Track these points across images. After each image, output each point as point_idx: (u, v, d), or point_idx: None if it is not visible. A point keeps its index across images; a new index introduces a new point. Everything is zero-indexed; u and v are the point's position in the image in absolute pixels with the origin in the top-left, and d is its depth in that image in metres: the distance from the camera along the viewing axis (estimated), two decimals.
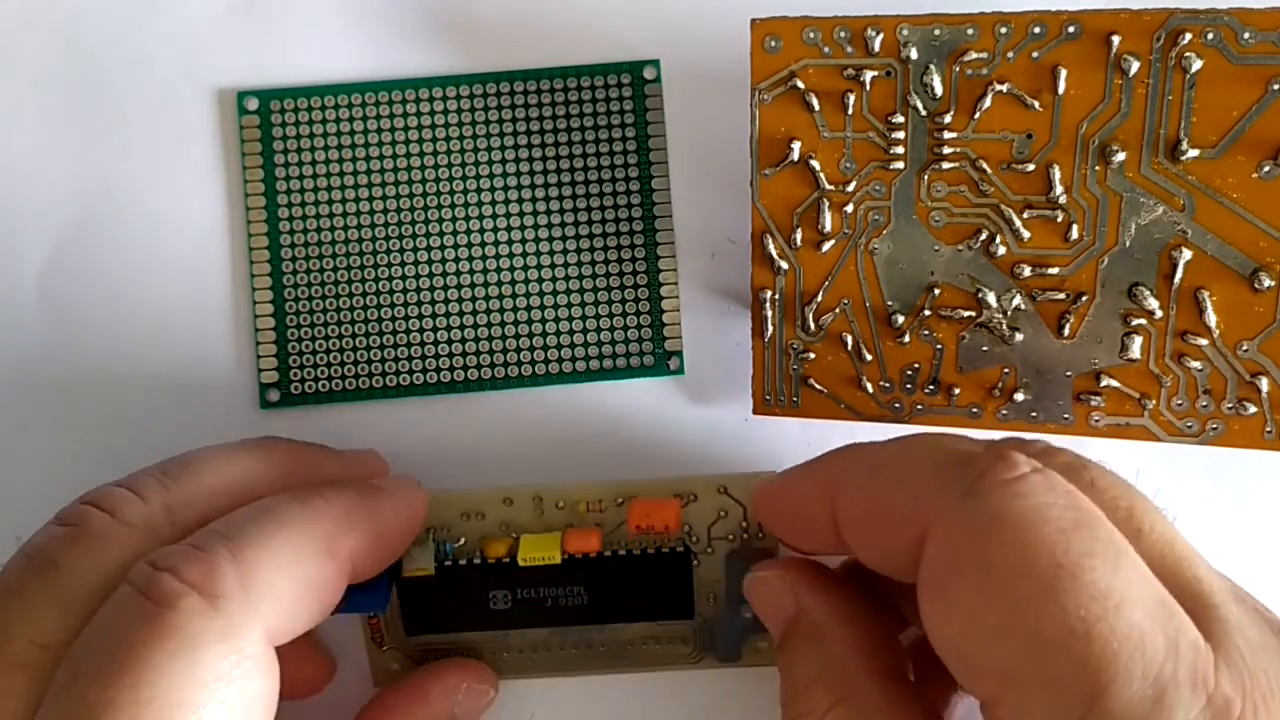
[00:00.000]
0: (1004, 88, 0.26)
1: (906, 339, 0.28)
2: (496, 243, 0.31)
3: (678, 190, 0.31)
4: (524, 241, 0.31)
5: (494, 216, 0.31)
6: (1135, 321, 0.26)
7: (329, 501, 0.25)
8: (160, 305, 0.31)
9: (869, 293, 0.28)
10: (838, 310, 0.28)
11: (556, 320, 0.31)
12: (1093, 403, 0.27)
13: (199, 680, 0.21)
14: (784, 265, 0.28)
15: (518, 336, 0.31)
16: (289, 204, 0.31)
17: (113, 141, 0.31)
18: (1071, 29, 0.25)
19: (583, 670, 0.30)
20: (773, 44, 0.27)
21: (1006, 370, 0.27)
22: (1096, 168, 0.26)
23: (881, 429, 0.28)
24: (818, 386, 0.29)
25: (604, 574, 0.28)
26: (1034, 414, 0.27)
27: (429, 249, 0.31)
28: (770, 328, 0.28)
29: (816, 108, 0.27)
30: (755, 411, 0.29)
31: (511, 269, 0.31)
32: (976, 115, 0.26)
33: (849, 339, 0.28)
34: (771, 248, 0.28)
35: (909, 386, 0.28)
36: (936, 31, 0.26)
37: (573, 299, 0.31)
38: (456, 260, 0.31)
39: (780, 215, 0.28)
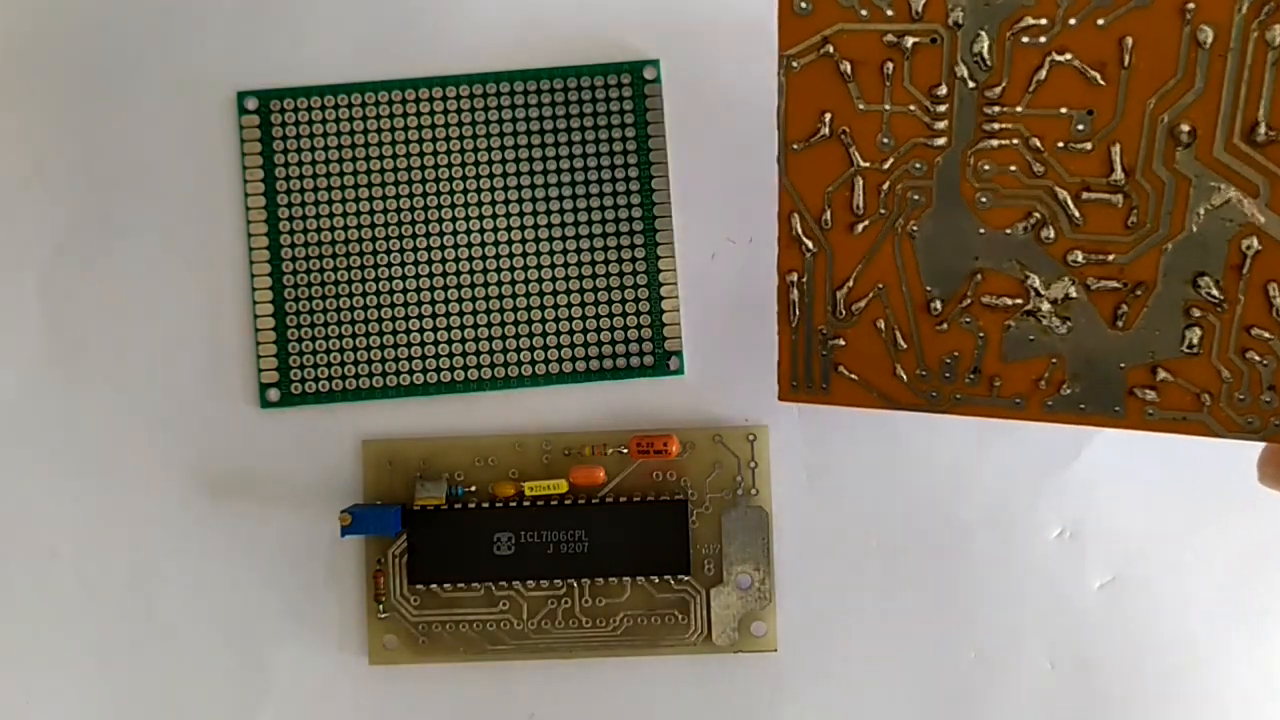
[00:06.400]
0: (1064, 58, 0.24)
1: (946, 326, 0.26)
2: (496, 243, 0.31)
3: (678, 190, 0.31)
4: (524, 241, 0.31)
5: (494, 216, 0.31)
6: (1197, 313, 0.25)
7: None
8: (160, 305, 0.31)
9: (906, 277, 0.26)
10: (871, 295, 0.26)
11: (556, 320, 0.31)
12: (1147, 396, 0.25)
13: None
14: (813, 247, 0.26)
15: (518, 336, 0.31)
16: (289, 204, 0.31)
17: (113, 141, 0.31)
18: None
19: (583, 652, 0.30)
20: (803, 6, 0.24)
21: (1054, 360, 0.26)
22: (1164, 148, 0.24)
23: (916, 418, 0.27)
24: (849, 374, 0.27)
25: (605, 518, 0.30)
26: (1082, 406, 0.26)
27: (429, 249, 0.31)
28: (797, 312, 0.27)
29: (851, 77, 0.25)
30: (781, 398, 0.27)
31: (511, 269, 0.31)
32: (1032, 88, 0.24)
33: (883, 325, 0.26)
34: (799, 228, 0.26)
35: (948, 375, 0.26)
36: None
37: (573, 299, 0.31)
38: (456, 260, 0.31)
39: (810, 194, 0.26)
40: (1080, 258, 0.25)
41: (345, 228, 0.31)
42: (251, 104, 0.31)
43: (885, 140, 0.25)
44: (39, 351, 0.31)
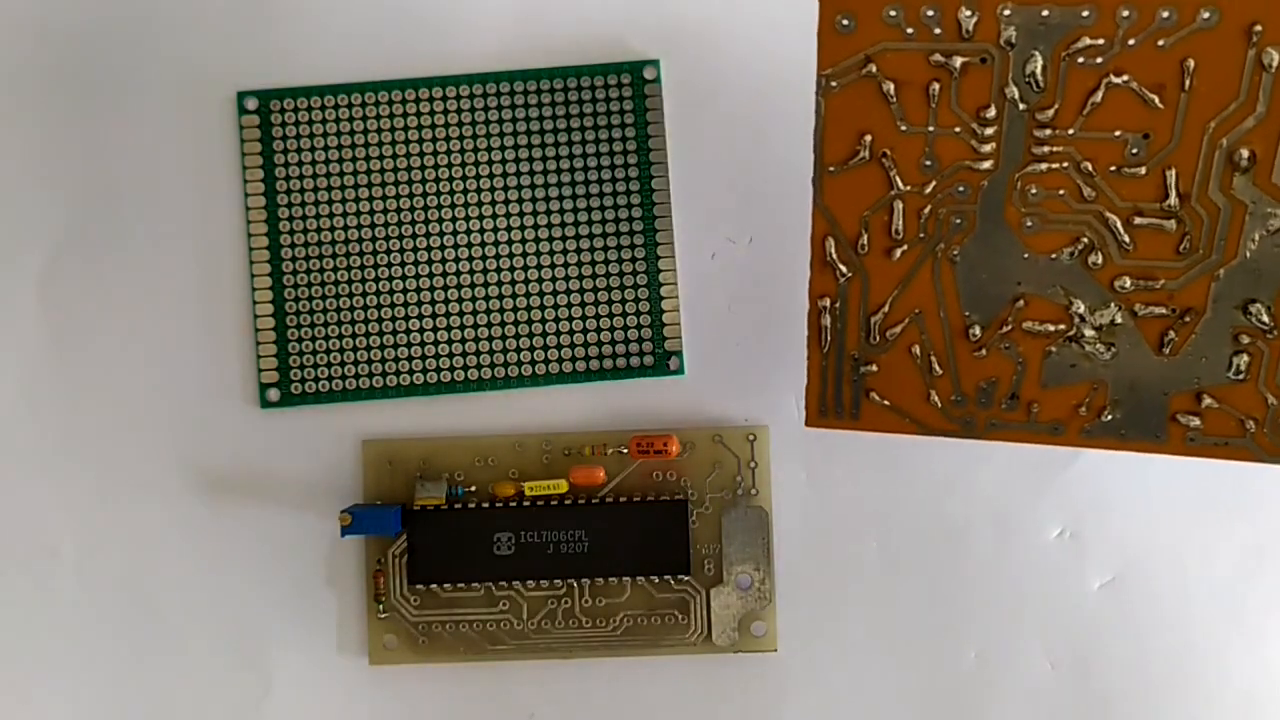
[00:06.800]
0: (1121, 80, 0.23)
1: (984, 352, 0.25)
2: (496, 243, 0.31)
3: (678, 190, 0.31)
4: (524, 241, 0.31)
5: (494, 216, 0.31)
6: (1246, 340, 0.24)
7: None
8: (160, 305, 0.31)
9: (945, 303, 0.25)
10: (907, 321, 0.26)
11: (556, 320, 0.31)
12: (1191, 423, 0.25)
13: None
14: (847, 272, 0.25)
15: (518, 336, 0.31)
16: (289, 204, 0.31)
17: (113, 141, 0.31)
18: (1207, 15, 0.22)
19: (583, 652, 0.30)
20: (845, 23, 0.23)
21: (1095, 387, 0.25)
22: (1221, 173, 0.23)
23: (947, 443, 0.27)
24: (880, 399, 0.26)
25: (605, 518, 0.30)
26: (1123, 432, 0.25)
27: (429, 249, 0.31)
28: (828, 338, 0.26)
29: (894, 98, 0.24)
30: (808, 424, 0.27)
31: (511, 269, 0.31)
32: (1086, 111, 0.23)
33: (918, 351, 0.26)
34: (834, 252, 0.25)
35: (984, 401, 0.26)
36: (1045, 13, 0.22)
37: (573, 299, 0.31)
38: (456, 260, 0.31)
39: (846, 218, 0.25)
40: (1128, 284, 0.24)
41: (345, 228, 0.31)
42: (251, 104, 0.31)
43: (928, 163, 0.24)
44: (39, 351, 0.31)
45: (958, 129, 0.24)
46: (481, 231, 0.31)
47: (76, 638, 0.31)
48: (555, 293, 0.31)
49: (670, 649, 0.31)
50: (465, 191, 0.31)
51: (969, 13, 0.23)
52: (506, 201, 0.31)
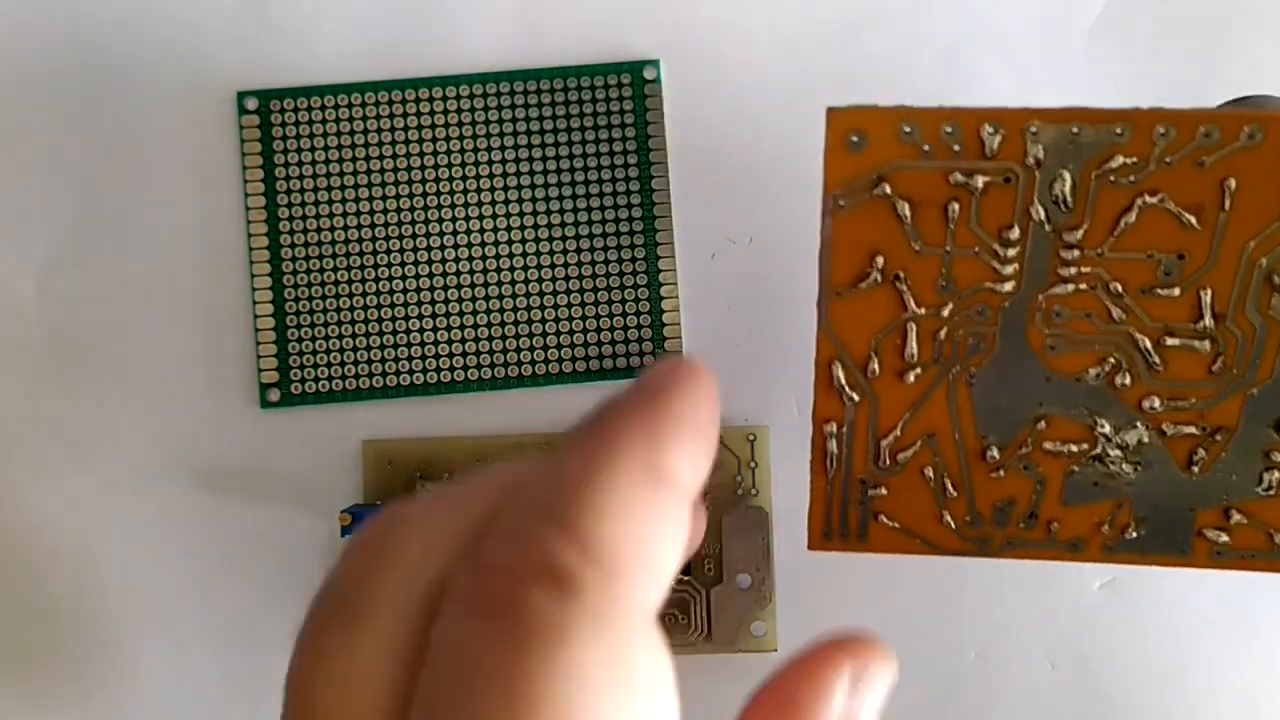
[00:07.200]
0: (1155, 200, 0.22)
1: (1002, 473, 0.24)
2: (496, 243, 0.31)
3: (678, 190, 0.31)
4: (524, 241, 0.31)
5: (494, 216, 0.31)
6: (1278, 456, 0.24)
7: (618, 420, 0.18)
8: (160, 305, 0.31)
9: (960, 425, 0.24)
10: (919, 444, 0.24)
11: (556, 320, 0.31)
12: (1220, 539, 0.24)
13: (585, 684, 0.17)
14: (856, 398, 0.24)
15: (518, 336, 0.31)
16: (289, 204, 0.31)
17: (113, 141, 0.31)
18: (1250, 133, 0.21)
19: None
20: (855, 140, 0.22)
21: (1119, 505, 0.24)
22: (1259, 293, 0.22)
23: (961, 562, 0.26)
24: (890, 522, 0.25)
25: None
26: (1147, 547, 0.25)
27: (429, 249, 0.31)
28: (835, 463, 0.25)
29: (909, 219, 0.22)
30: (811, 547, 0.26)
31: (511, 269, 0.31)
32: (1117, 231, 0.22)
33: (931, 474, 0.24)
34: (842, 378, 0.24)
35: (1000, 521, 0.25)
36: (1075, 130, 0.21)
37: (573, 299, 0.31)
38: (456, 260, 0.31)
39: (855, 342, 0.24)
40: (1157, 404, 0.23)
41: (345, 228, 0.31)
42: (251, 104, 0.31)
43: (944, 284, 0.23)
44: (39, 351, 0.31)
45: (977, 249, 0.23)
46: (481, 232, 0.31)
47: (76, 637, 0.31)
48: (555, 293, 0.31)
49: (670, 649, 0.30)
50: (465, 191, 0.31)
51: (992, 129, 0.21)
52: (506, 202, 0.31)
